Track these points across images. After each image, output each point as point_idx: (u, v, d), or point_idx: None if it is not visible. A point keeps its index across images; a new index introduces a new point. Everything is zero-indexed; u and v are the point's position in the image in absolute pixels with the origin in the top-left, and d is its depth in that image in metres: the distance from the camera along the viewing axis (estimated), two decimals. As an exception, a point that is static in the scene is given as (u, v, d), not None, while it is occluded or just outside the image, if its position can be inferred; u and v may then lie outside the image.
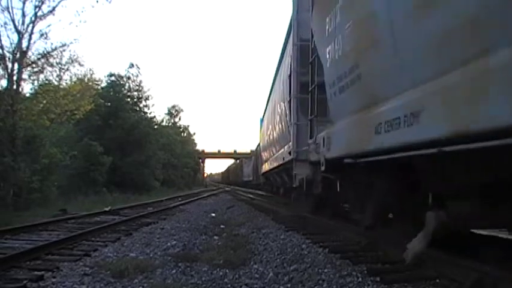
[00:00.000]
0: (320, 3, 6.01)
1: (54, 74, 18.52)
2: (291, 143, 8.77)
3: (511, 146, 2.20)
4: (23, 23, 14.67)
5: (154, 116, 35.37)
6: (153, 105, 38.99)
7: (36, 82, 17.55)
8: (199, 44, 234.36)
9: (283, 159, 10.62)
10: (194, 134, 64.31)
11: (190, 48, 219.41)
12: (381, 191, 4.51)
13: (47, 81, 18.19)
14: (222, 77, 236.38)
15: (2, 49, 14.20)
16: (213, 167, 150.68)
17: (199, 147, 66.58)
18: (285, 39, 11.31)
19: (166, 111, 51.85)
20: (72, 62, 18.24)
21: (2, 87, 14.70)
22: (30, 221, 8.34)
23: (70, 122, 20.52)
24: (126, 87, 29.51)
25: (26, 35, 14.71)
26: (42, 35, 15.18)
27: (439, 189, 3.72)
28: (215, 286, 3.79)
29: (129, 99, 29.31)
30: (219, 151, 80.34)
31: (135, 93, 30.30)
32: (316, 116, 6.43)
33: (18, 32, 14.55)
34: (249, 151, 50.02)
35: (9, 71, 14.28)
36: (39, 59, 15.83)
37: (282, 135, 11.21)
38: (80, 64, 19.02)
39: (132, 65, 30.11)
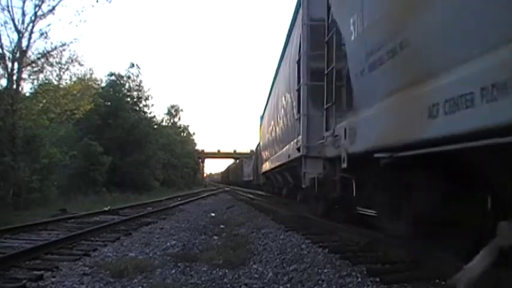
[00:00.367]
0: None
1: (54, 74, 18.56)
2: (299, 138, 7.74)
3: None
4: (22, 22, 14.71)
5: (154, 116, 35.45)
6: (152, 105, 38.97)
7: (36, 81, 17.55)
8: (199, 44, 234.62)
9: (289, 156, 9.59)
10: (194, 134, 64.45)
11: (190, 48, 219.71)
12: (426, 193, 3.62)
13: (46, 81, 18.20)
14: (221, 77, 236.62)
15: (2, 48, 14.23)
16: (213, 167, 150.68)
17: (199, 147, 66.66)
18: (291, 22, 10.18)
19: (166, 111, 51.99)
20: (72, 61, 18.27)
21: (1, 86, 14.73)
22: (29, 221, 8.33)
23: (70, 121, 20.52)
24: (126, 86, 29.54)
25: (26, 35, 14.74)
26: (42, 34, 15.21)
27: None
28: (215, 286, 3.79)
29: (129, 99, 29.33)
30: (218, 151, 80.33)
31: (135, 93, 30.34)
32: (334, 103, 5.50)
33: (18, 31, 14.57)
34: (248, 151, 50.06)
35: (9, 70, 14.29)
36: (39, 58, 15.85)
37: (287, 131, 10.16)
38: (79, 64, 19.06)
39: (132, 65, 30.18)
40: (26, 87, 21.77)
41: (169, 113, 52.29)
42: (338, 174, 5.44)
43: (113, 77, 28.62)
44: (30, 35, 14.80)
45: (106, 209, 11.64)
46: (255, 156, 25.26)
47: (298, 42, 8.22)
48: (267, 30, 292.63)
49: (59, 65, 17.84)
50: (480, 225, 3.17)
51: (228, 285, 3.79)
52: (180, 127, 54.42)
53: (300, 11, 8.46)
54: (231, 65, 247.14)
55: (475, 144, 2.44)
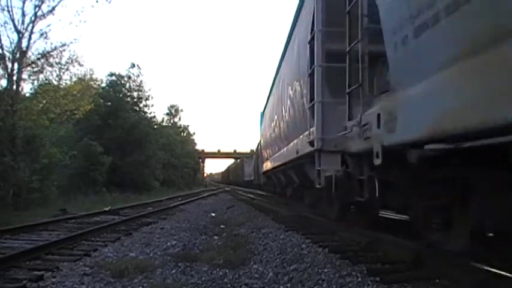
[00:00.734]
0: None
1: (54, 74, 18.56)
2: (312, 130, 6.65)
3: None
4: (22, 23, 14.71)
5: (154, 116, 35.48)
6: (152, 105, 39.05)
7: (36, 82, 17.59)
8: (199, 44, 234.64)
9: (297, 152, 8.43)
10: (194, 133, 64.46)
11: (190, 48, 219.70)
12: (503, 197, 2.92)
13: (46, 81, 18.21)
14: (221, 77, 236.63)
15: (2, 49, 14.24)
16: (213, 167, 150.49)
17: (199, 147, 66.69)
18: (300, 1, 8.80)
19: (166, 111, 52.03)
20: (72, 62, 18.24)
21: (1, 87, 14.73)
22: (30, 221, 8.34)
23: (70, 121, 20.52)
24: (127, 87, 29.56)
25: (26, 35, 14.75)
26: (42, 34, 15.21)
27: None
28: (215, 286, 3.79)
29: (129, 99, 29.34)
30: (219, 151, 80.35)
31: (136, 93, 30.38)
32: (361, 85, 4.54)
33: (18, 32, 14.57)
34: (249, 151, 50.05)
35: (9, 70, 14.30)
36: (39, 58, 15.85)
37: (294, 124, 8.97)
38: (79, 64, 19.02)
39: (133, 65, 30.23)
40: (26, 88, 21.87)
41: (169, 113, 52.39)
42: (366, 173, 4.57)
43: (113, 77, 28.67)
44: (30, 35, 14.83)
45: (106, 209, 11.65)
46: (256, 156, 25.14)
47: (310, 20, 7.09)
48: (267, 30, 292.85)
49: (59, 66, 17.85)
50: None
51: (229, 285, 3.79)
52: (180, 127, 54.48)
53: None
54: (231, 65, 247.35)
55: None
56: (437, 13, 2.89)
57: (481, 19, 2.48)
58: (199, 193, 27.97)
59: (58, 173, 16.29)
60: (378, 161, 3.89)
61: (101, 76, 38.07)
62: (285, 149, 10.53)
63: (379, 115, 3.92)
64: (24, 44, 14.70)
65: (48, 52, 15.90)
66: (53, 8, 15.15)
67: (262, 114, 18.98)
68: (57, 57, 16.84)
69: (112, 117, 25.64)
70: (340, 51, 5.37)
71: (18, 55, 14.53)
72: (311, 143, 6.56)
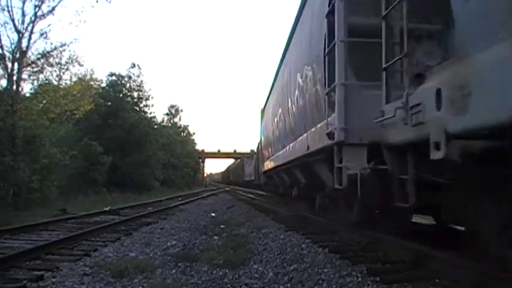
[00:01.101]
0: None
1: (54, 74, 18.59)
2: (330, 119, 5.58)
3: None
4: (22, 23, 14.74)
5: (155, 116, 35.51)
6: (152, 105, 39.06)
7: (36, 82, 17.61)
8: (199, 44, 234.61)
9: (307, 148, 7.30)
10: (194, 133, 64.48)
11: (190, 48, 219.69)
12: None
13: (46, 81, 18.24)
14: (221, 77, 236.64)
15: (2, 49, 14.27)
16: (213, 167, 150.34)
17: (199, 147, 66.74)
18: None
19: (166, 111, 52.08)
20: (72, 61, 18.27)
21: (1, 87, 14.75)
22: (30, 221, 8.34)
23: (70, 121, 20.54)
24: (127, 87, 29.58)
25: (26, 35, 14.78)
26: (42, 34, 15.24)
27: None
28: (215, 286, 3.79)
29: (129, 99, 29.36)
30: (219, 151, 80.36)
31: (136, 93, 30.41)
32: (407, 54, 3.57)
33: (18, 32, 14.60)
34: (249, 151, 50.03)
35: (9, 70, 14.32)
36: (38, 58, 15.88)
37: (304, 116, 7.82)
38: (79, 64, 19.07)
39: (133, 65, 30.27)
40: (26, 88, 21.83)
41: (169, 113, 52.43)
42: (412, 171, 3.69)
43: (114, 77, 28.69)
44: (30, 35, 14.86)
45: (106, 209, 11.66)
46: (257, 155, 25.05)
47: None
48: (267, 30, 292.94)
49: (59, 65, 17.88)
50: None
51: (229, 285, 3.79)
52: (180, 127, 54.53)
53: None
54: (231, 65, 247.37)
55: None
56: None
57: None
58: (199, 193, 27.98)
59: (58, 173, 16.30)
60: (438, 154, 2.94)
61: (101, 76, 38.10)
62: (290, 145, 9.51)
63: (439, 91, 2.96)
64: (24, 44, 14.75)
65: (48, 52, 15.95)
66: (53, 8, 15.21)
67: (263, 111, 17.87)
68: (57, 57, 16.90)
69: (112, 117, 25.66)
70: (365, 26, 4.76)
71: (18, 55, 14.54)
72: (329, 135, 5.46)
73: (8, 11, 14.44)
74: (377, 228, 5.40)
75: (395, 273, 3.90)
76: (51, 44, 16.10)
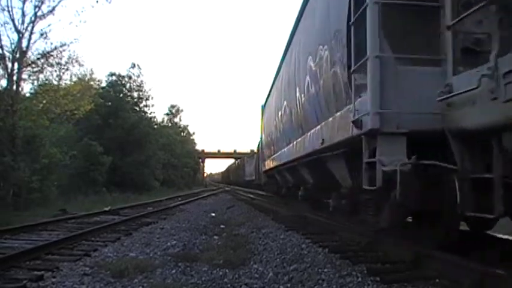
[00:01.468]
0: None
1: (54, 74, 18.58)
2: (356, 104, 4.53)
3: None
4: (22, 23, 14.75)
5: (155, 116, 35.54)
6: (152, 105, 39.07)
7: (36, 82, 17.63)
8: (199, 44, 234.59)
9: (322, 142, 6.16)
10: (194, 133, 64.51)
11: (190, 48, 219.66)
12: None
13: (46, 81, 18.25)
14: (221, 77, 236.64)
15: (2, 49, 14.29)
16: (213, 167, 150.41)
17: (199, 147, 66.76)
18: None
19: (166, 111, 52.12)
20: (72, 61, 18.26)
21: (1, 87, 14.75)
22: (30, 221, 8.34)
23: (70, 121, 20.54)
24: (127, 87, 29.61)
25: (26, 35, 14.80)
26: (42, 34, 15.26)
27: None
28: (215, 286, 3.79)
29: (129, 99, 29.38)
30: (219, 151, 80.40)
31: (136, 93, 30.44)
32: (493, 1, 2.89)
33: (18, 32, 14.61)
34: (249, 151, 50.00)
35: (9, 70, 14.33)
36: (38, 58, 15.88)
37: (316, 105, 6.75)
38: (79, 64, 19.07)
39: (133, 65, 30.31)
40: (26, 88, 21.91)
41: (169, 113, 52.47)
42: (499, 169, 2.88)
43: (114, 77, 28.71)
44: (30, 35, 14.88)
45: (106, 209, 11.66)
46: (257, 155, 24.93)
47: None
48: (267, 30, 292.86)
49: (59, 65, 17.86)
50: None
51: (229, 285, 3.79)
52: (180, 127, 54.56)
53: None
54: (231, 65, 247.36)
55: None
56: None
57: None
58: (199, 193, 27.98)
59: (58, 173, 16.31)
60: None
61: (101, 76, 38.14)
62: (297, 141, 8.47)
63: None
64: (24, 44, 14.77)
65: (48, 52, 15.95)
66: (53, 8, 15.23)
67: (264, 107, 16.52)
68: (57, 57, 16.88)
69: (112, 117, 25.68)
70: None
71: (18, 55, 14.55)
72: (356, 124, 4.43)
73: (8, 11, 14.49)
74: (418, 238, 4.51)
75: (395, 273, 3.90)
76: (51, 44, 16.15)
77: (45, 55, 15.96)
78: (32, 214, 10.62)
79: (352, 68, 4.58)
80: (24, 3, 14.79)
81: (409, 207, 4.00)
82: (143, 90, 30.87)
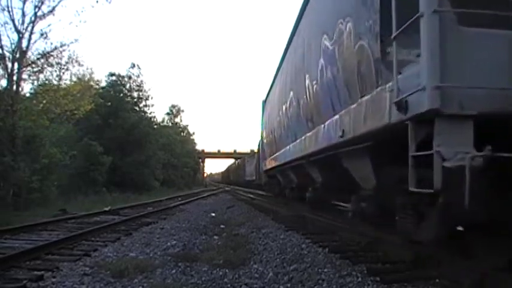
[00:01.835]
0: None
1: (54, 74, 18.57)
2: (401, 79, 3.39)
3: None
4: (22, 23, 14.72)
5: (155, 116, 35.51)
6: (152, 105, 39.07)
7: (36, 82, 17.61)
8: (199, 44, 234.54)
9: (342, 134, 4.95)
10: (194, 133, 64.49)
11: (190, 48, 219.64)
12: None
13: (46, 81, 18.24)
14: (222, 77, 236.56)
15: (2, 49, 14.25)
16: (213, 167, 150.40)
17: (199, 147, 66.71)
18: None
19: (167, 111, 52.16)
20: (72, 61, 18.24)
21: (1, 87, 14.73)
22: (30, 221, 8.34)
23: (70, 121, 20.54)
24: (127, 87, 29.60)
25: (26, 35, 14.76)
26: (42, 34, 15.23)
27: None
28: (215, 286, 3.79)
29: (129, 99, 29.38)
30: (219, 151, 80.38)
31: (136, 93, 30.43)
32: None
33: (18, 32, 14.58)
34: (249, 151, 50.01)
35: (9, 70, 14.31)
36: (38, 58, 15.85)
37: (334, 89, 5.52)
38: (79, 64, 19.05)
39: (133, 65, 30.29)
40: (26, 88, 21.85)
41: (170, 113, 52.50)
42: None
43: (113, 77, 28.70)
44: (30, 35, 14.84)
45: (106, 209, 11.66)
46: (257, 154, 24.80)
47: None
48: (267, 30, 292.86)
49: (59, 65, 17.85)
50: None
51: (229, 285, 3.79)
52: (180, 127, 54.57)
53: None
54: (231, 65, 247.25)
55: None
56: None
57: None
58: (199, 193, 27.99)
59: (58, 173, 16.29)
60: None
61: (101, 76, 38.14)
62: (306, 136, 7.32)
63: None
64: (24, 44, 14.73)
65: (48, 52, 15.91)
66: (53, 8, 15.18)
67: (265, 102, 15.30)
68: (57, 57, 16.86)
69: (112, 117, 25.66)
70: None
71: (18, 55, 14.54)
72: (399, 106, 3.34)
73: (8, 11, 14.45)
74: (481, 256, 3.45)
75: (395, 273, 3.90)
76: (51, 44, 16.11)
77: (45, 55, 15.94)
78: (32, 214, 10.62)
79: (393, 35, 3.38)
80: (24, 3, 14.78)
81: (475, 216, 2.91)
82: (143, 90, 30.90)
